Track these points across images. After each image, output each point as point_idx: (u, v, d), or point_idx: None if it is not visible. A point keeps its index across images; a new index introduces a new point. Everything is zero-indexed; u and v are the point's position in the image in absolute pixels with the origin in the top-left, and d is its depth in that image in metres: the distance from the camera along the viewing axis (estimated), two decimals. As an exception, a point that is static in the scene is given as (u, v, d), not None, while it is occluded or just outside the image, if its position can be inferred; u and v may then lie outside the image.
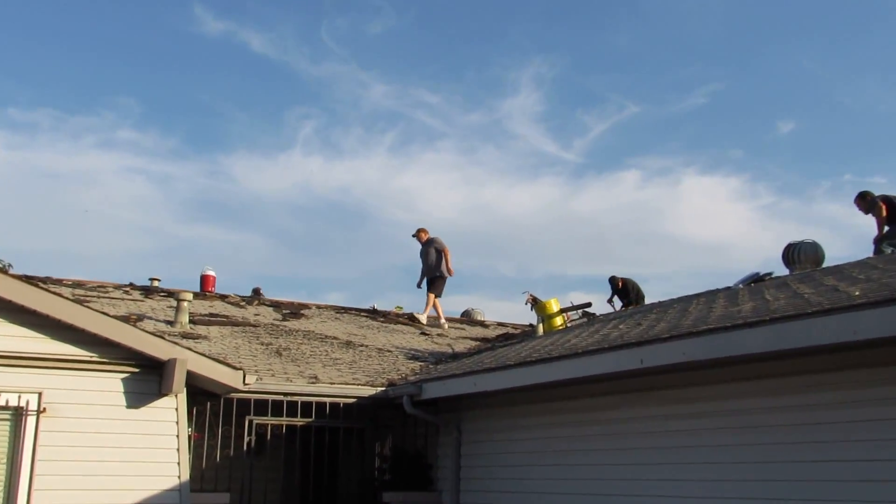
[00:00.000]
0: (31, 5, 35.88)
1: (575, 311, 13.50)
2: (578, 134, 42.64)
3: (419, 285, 16.00)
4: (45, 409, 8.37)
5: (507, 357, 10.31)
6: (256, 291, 17.10)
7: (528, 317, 16.87)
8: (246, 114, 41.38)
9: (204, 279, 15.93)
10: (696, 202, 41.25)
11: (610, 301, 16.92)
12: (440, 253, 15.86)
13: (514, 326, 16.78)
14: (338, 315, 15.43)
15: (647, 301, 15.78)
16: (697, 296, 11.11)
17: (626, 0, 38.35)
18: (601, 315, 13.36)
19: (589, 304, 13.31)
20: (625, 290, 16.54)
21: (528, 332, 14.30)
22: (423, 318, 15.64)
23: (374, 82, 41.61)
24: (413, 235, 16.24)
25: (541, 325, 12.91)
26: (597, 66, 41.30)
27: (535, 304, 13.31)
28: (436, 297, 15.73)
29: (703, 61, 39.35)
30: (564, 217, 42.02)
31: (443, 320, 15.78)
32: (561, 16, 38.87)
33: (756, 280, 10.48)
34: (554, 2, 38.34)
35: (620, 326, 10.18)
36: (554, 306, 12.97)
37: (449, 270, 15.83)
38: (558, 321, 12.87)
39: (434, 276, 15.80)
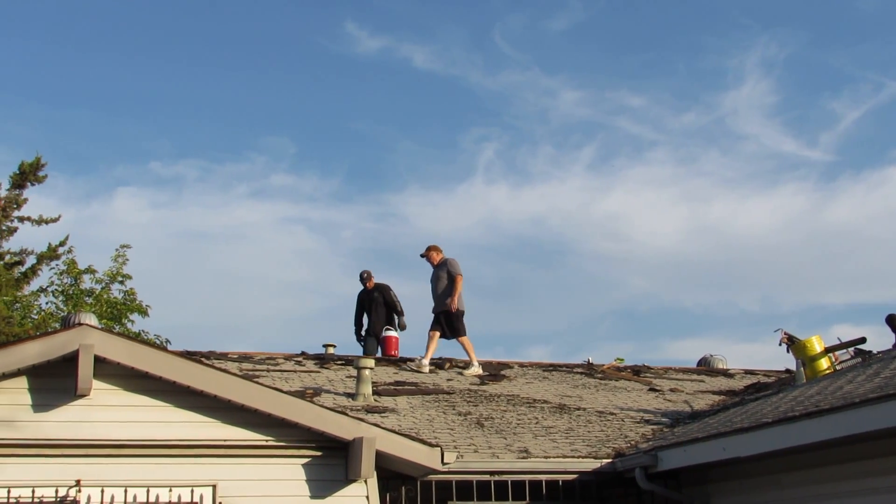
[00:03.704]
0: (167, 38, 38.48)
1: (844, 350, 12.97)
2: (825, 126, 41.24)
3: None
4: (220, 503, 8.84)
5: (763, 413, 10.03)
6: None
7: (784, 360, 16.39)
8: (414, 142, 42.65)
9: (386, 342, 16.38)
10: None
11: None
12: (453, 279, 15.12)
13: (766, 374, 16.30)
14: (545, 373, 15.49)
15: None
16: None
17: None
18: (880, 352, 12.77)
19: (863, 340, 12.77)
20: None
21: (785, 380, 13.90)
22: (425, 366, 14.62)
23: (562, 89, 41.95)
24: (422, 255, 15.57)
25: (801, 370, 12.54)
26: (841, 38, 39.98)
27: (792, 343, 12.90)
28: (458, 336, 14.87)
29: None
30: (816, 232, 40.60)
31: (475, 364, 14.75)
32: (790, -18, 37.98)
33: None
34: (780, -34, 37.53)
35: (908, 365, 9.72)
36: (816, 345, 12.54)
37: (451, 304, 14.90)
38: (824, 364, 12.43)
39: (443, 308, 15.03)
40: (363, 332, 16.56)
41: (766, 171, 42.25)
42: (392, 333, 16.34)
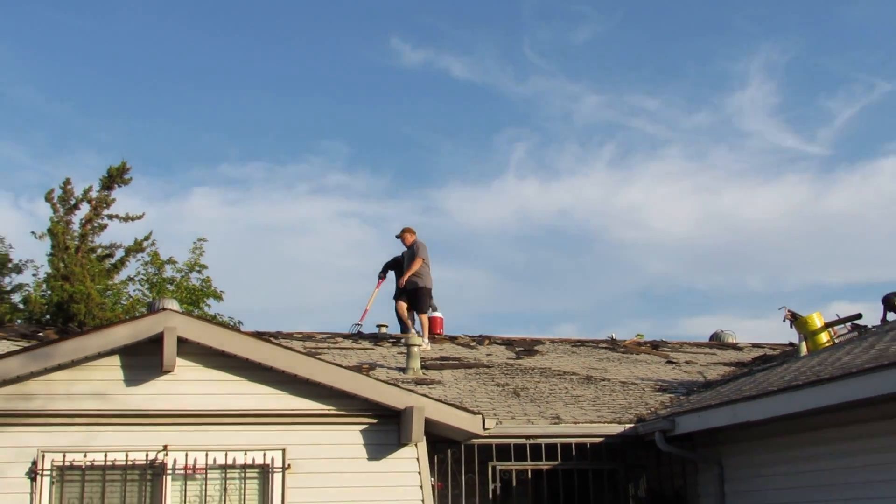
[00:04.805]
0: (235, 60, 38.78)
1: (842, 325, 12.83)
2: (822, 123, 40.73)
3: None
4: (289, 465, 8.97)
5: (769, 382, 9.99)
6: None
7: (787, 335, 16.20)
8: (453, 143, 42.57)
9: (431, 321, 16.42)
10: (979, 184, 38.18)
11: (883, 321, 15.85)
12: (413, 259, 14.72)
13: (772, 347, 16.15)
14: (574, 349, 15.48)
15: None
16: None
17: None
18: (874, 327, 12.63)
19: (859, 316, 12.62)
20: None
21: (788, 353, 13.76)
22: (426, 343, 13.94)
23: (585, 94, 41.71)
24: (397, 237, 15.17)
25: (803, 344, 12.41)
26: (835, 44, 39.43)
27: (795, 320, 12.77)
28: (419, 312, 14.63)
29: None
30: (816, 218, 40.12)
31: (426, 341, 14.07)
32: (790, -7, 37.51)
33: None
34: (781, -21, 37.08)
35: (900, 338, 9.62)
36: (817, 321, 12.41)
37: (402, 280, 14.57)
38: (823, 338, 12.30)
39: (414, 286, 14.64)
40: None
41: (769, 165, 41.78)
42: (437, 314, 16.36)
